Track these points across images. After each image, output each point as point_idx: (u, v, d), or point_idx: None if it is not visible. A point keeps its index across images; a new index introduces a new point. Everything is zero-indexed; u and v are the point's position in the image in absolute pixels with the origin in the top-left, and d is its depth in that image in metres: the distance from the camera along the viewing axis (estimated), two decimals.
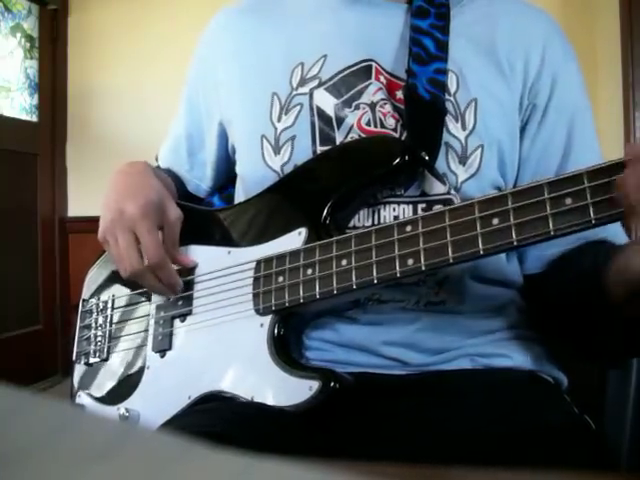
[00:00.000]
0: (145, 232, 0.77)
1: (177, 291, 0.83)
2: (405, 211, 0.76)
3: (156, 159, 1.04)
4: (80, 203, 2.99)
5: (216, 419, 0.70)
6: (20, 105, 2.90)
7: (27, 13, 2.92)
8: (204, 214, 0.91)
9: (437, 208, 0.72)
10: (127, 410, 0.83)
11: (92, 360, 0.93)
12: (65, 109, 3.04)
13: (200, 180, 0.99)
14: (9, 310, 2.73)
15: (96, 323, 0.94)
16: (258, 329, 0.76)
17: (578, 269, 0.76)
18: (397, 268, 0.68)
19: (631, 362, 0.75)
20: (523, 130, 0.82)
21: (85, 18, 3.01)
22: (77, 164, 3.03)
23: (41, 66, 2.98)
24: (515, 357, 0.79)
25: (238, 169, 0.90)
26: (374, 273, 0.69)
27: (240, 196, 0.90)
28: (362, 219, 0.78)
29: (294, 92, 0.82)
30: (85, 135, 3.01)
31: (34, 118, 2.96)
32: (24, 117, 2.92)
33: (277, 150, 0.82)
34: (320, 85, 0.81)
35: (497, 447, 0.63)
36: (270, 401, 0.72)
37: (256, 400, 0.73)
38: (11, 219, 2.76)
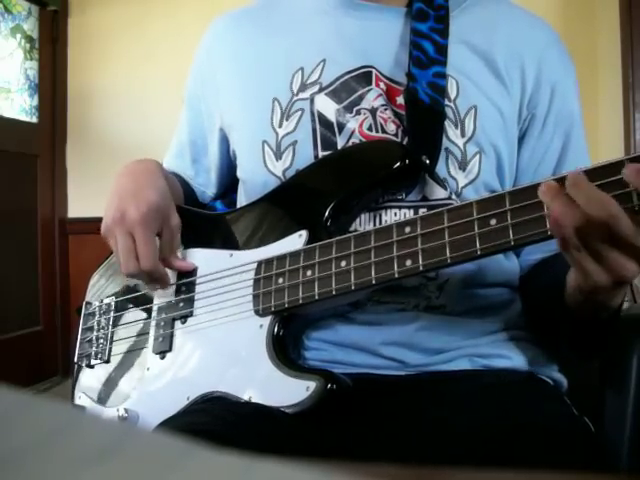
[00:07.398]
0: (142, 239, 0.78)
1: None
2: (406, 215, 0.77)
3: None
4: (80, 204, 2.98)
5: (214, 419, 0.70)
6: (20, 106, 2.89)
7: (27, 14, 2.92)
8: (207, 217, 0.92)
9: None
10: (126, 411, 0.83)
11: (93, 362, 0.93)
12: (65, 110, 3.03)
13: (205, 187, 0.99)
14: (9, 311, 2.73)
15: (98, 325, 0.95)
16: (257, 330, 0.76)
17: (549, 275, 0.77)
18: (395, 269, 0.68)
19: (631, 362, 0.75)
20: (522, 140, 0.82)
21: (85, 19, 3.01)
22: (77, 165, 3.03)
23: (41, 67, 2.97)
24: (514, 358, 0.79)
25: (239, 173, 0.90)
26: (372, 274, 0.69)
27: (242, 200, 0.90)
28: (363, 223, 0.78)
29: (295, 97, 0.82)
30: (85, 136, 3.01)
31: (34, 119, 2.95)
32: (24, 118, 2.91)
33: (279, 155, 0.82)
34: (321, 90, 0.81)
35: (496, 448, 0.63)
36: (268, 401, 0.72)
37: (254, 400, 0.73)
38: (11, 220, 2.76)
